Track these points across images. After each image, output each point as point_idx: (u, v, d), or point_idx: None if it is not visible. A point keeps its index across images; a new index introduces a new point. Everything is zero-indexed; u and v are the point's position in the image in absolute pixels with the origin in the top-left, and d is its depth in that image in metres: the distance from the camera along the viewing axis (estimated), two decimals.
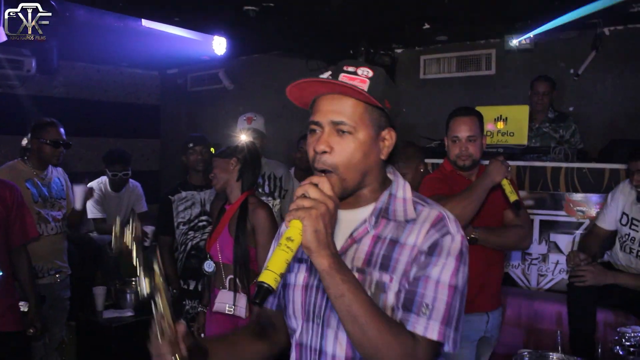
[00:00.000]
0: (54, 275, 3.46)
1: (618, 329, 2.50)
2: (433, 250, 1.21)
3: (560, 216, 3.64)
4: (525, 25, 4.55)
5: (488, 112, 3.54)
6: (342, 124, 1.23)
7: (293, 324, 1.36)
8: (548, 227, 3.67)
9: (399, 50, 5.97)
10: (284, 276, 1.11)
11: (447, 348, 1.19)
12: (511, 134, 3.82)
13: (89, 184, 4.57)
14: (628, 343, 2.45)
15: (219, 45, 5.33)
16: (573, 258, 3.13)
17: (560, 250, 3.61)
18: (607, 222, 3.27)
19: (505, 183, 2.52)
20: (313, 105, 1.29)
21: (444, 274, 1.20)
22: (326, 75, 1.26)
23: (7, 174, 3.20)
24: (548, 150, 3.74)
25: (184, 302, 3.61)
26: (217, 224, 2.89)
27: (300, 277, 1.34)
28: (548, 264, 3.66)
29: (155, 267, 1.23)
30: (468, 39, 5.48)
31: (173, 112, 7.51)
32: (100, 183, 4.64)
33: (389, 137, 1.30)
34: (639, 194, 3.08)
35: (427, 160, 3.51)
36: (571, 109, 4.93)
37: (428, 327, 1.17)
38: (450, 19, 4.70)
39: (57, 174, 3.58)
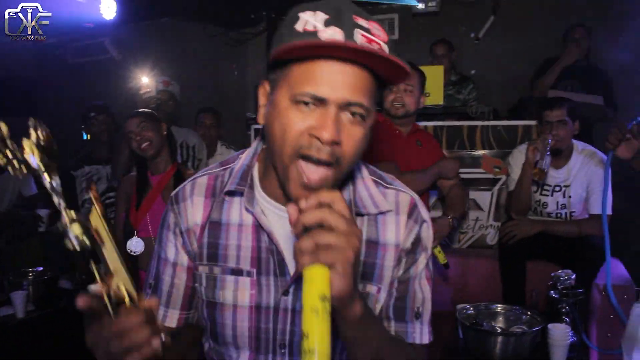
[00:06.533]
0: None
1: (552, 274, 2.56)
2: (416, 247, 1.10)
3: (478, 173, 3.70)
4: None
5: None
6: (360, 106, 0.92)
7: (230, 352, 1.10)
8: (467, 184, 3.68)
9: None
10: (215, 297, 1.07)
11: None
12: (427, 95, 3.82)
13: None
14: (562, 286, 2.53)
15: (108, 8, 4.83)
16: None
17: (479, 207, 3.69)
18: None
19: (436, 251, 2.86)
20: (300, 68, 0.92)
21: (425, 268, 1.12)
22: (329, 32, 0.88)
23: None
24: (466, 109, 3.80)
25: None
26: (144, 195, 2.57)
27: (242, 294, 1.06)
28: (468, 221, 3.73)
29: (94, 207, 0.82)
30: (369, 3, 5.42)
31: (52, 86, 6.77)
32: None
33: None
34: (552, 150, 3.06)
35: None
36: (473, 72, 5.07)
37: (423, 334, 1.12)
38: None
39: None
